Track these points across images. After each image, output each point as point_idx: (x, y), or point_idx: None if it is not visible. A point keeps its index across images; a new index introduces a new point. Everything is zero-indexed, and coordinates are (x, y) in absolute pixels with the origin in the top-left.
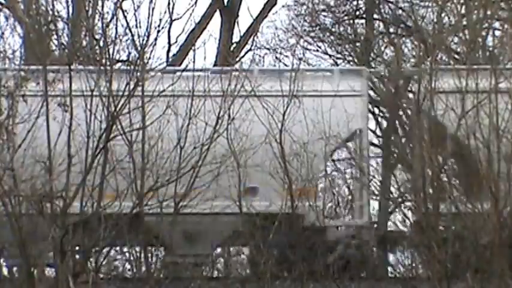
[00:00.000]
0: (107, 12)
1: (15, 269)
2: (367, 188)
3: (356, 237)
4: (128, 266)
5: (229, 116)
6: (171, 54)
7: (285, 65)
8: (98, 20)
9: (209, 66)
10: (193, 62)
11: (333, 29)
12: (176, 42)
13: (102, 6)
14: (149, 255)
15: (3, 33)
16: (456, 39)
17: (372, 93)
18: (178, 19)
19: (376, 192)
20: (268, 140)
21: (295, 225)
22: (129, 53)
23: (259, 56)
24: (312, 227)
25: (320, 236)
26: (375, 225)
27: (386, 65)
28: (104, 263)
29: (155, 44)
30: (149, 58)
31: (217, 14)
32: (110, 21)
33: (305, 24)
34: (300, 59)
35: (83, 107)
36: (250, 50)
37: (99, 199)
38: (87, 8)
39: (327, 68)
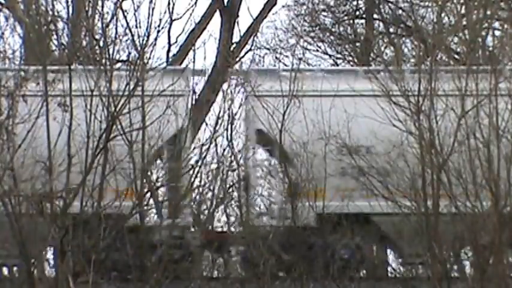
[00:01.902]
0: (107, 12)
1: (15, 269)
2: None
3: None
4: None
5: (229, 116)
6: (171, 54)
7: (285, 65)
8: (98, 20)
9: (209, 66)
10: (193, 62)
11: (333, 29)
12: (176, 42)
13: (102, 6)
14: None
15: (3, 33)
16: (456, 39)
17: None
18: (178, 19)
19: None
20: None
21: None
22: (129, 53)
23: (259, 56)
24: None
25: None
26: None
27: (386, 65)
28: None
29: (155, 44)
30: (149, 58)
31: (217, 14)
32: (110, 21)
33: (305, 24)
34: (300, 59)
35: (82, 107)
36: (250, 50)
37: (99, 199)
38: (87, 8)
39: None
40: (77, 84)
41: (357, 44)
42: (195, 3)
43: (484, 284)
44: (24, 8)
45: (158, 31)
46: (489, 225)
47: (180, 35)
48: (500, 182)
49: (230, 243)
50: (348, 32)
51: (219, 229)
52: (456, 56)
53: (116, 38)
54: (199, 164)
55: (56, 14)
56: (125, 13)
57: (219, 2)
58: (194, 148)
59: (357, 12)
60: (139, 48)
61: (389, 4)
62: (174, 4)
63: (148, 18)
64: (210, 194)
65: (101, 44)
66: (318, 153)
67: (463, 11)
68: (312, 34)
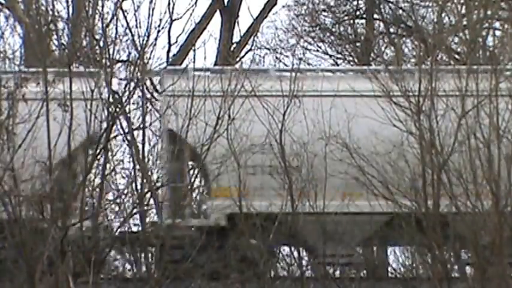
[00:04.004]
0: (107, 12)
1: (15, 269)
2: None
3: None
4: (128, 266)
5: (229, 116)
6: (171, 54)
7: (285, 65)
8: (98, 20)
9: (209, 66)
10: (193, 62)
11: (333, 29)
12: (176, 42)
13: (102, 6)
14: (149, 255)
15: (3, 33)
16: (456, 39)
17: None
18: (178, 19)
19: None
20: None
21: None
22: (129, 53)
23: (260, 56)
24: None
25: None
26: None
27: (386, 65)
28: (103, 263)
29: (155, 44)
30: (149, 58)
31: (217, 14)
32: (110, 21)
33: (305, 24)
34: (300, 59)
35: (83, 107)
36: (250, 50)
37: (100, 199)
38: (87, 8)
39: None
40: (77, 84)
41: (357, 44)
42: (195, 3)
43: (484, 284)
44: (24, 8)
45: (158, 31)
46: (489, 225)
47: (180, 35)
48: (500, 182)
49: None
50: (348, 32)
51: None
52: (456, 56)
53: (116, 38)
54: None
55: (56, 14)
56: (125, 13)
57: (219, 2)
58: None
59: (357, 12)
60: (139, 48)
61: (390, 4)
62: (174, 4)
63: (148, 18)
64: None
65: (101, 44)
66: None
67: (463, 11)
68: (312, 34)
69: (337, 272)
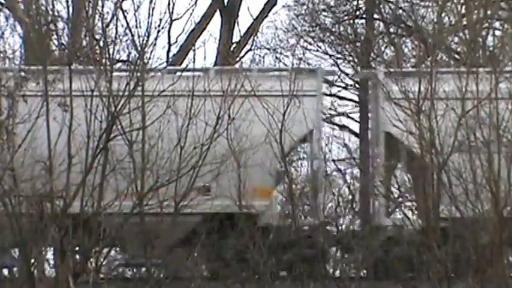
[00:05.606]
0: (107, 12)
1: (15, 269)
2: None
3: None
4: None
5: (229, 116)
6: (171, 54)
7: (285, 65)
8: (98, 20)
9: (209, 66)
10: (193, 62)
11: (333, 29)
12: (176, 42)
13: (102, 6)
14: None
15: (3, 33)
16: (456, 39)
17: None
18: (178, 19)
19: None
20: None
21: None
22: (129, 53)
23: (259, 56)
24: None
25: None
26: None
27: (387, 65)
28: (104, 263)
29: (155, 44)
30: (149, 58)
31: (217, 14)
32: (110, 21)
33: (305, 24)
34: (300, 59)
35: (83, 107)
36: (250, 50)
37: (99, 199)
38: (87, 8)
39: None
40: (77, 84)
41: (357, 44)
42: (195, 3)
43: (484, 284)
44: (24, 8)
45: (158, 31)
46: (489, 225)
47: (180, 35)
48: (500, 182)
49: None
50: (348, 32)
51: None
52: (456, 56)
53: (116, 38)
54: (199, 164)
55: (56, 14)
56: (125, 13)
57: (219, 2)
58: (194, 148)
59: (357, 12)
60: (139, 48)
61: (390, 4)
62: (174, 4)
63: (148, 18)
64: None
65: (101, 44)
66: None
67: (463, 11)
68: (312, 34)
69: (337, 272)
